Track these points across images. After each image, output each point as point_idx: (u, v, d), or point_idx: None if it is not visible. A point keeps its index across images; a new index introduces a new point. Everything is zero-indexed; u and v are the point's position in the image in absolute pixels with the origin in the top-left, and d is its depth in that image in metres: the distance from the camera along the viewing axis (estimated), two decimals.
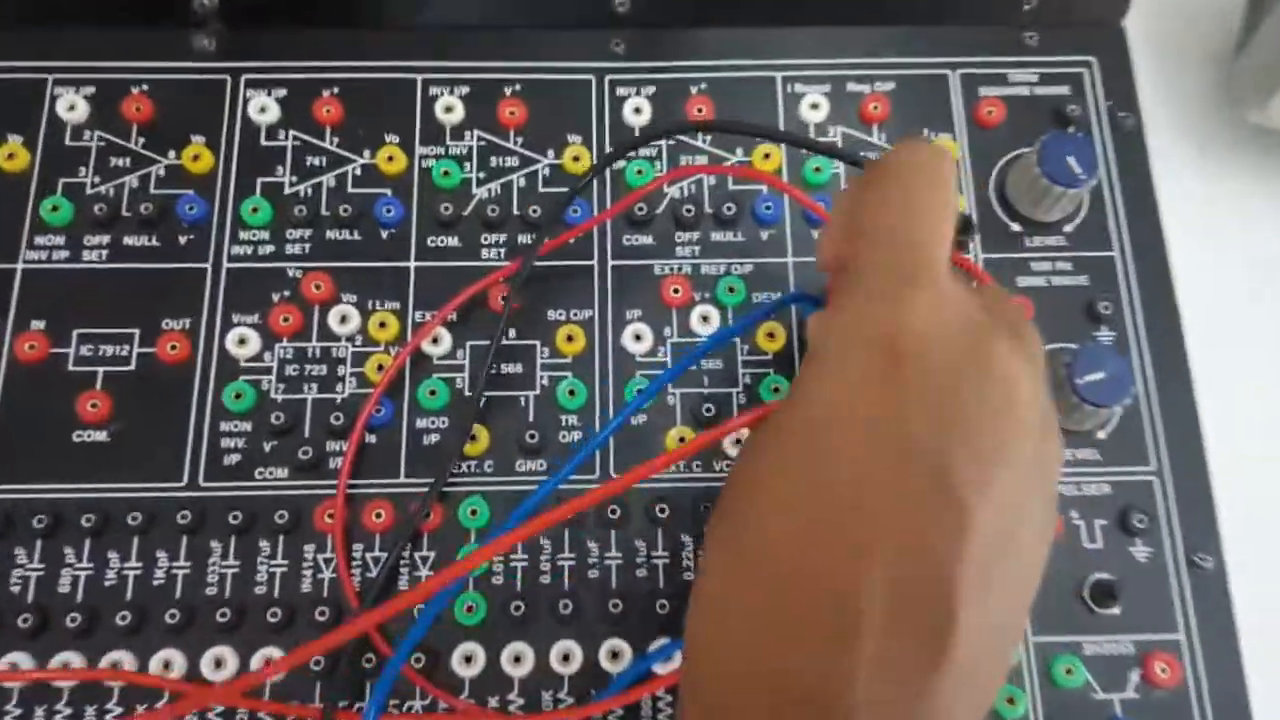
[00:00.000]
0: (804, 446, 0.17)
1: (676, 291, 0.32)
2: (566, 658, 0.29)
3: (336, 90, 0.34)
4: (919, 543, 0.16)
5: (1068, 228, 0.34)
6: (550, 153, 0.34)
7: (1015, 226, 0.34)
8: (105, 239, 0.33)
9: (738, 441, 0.31)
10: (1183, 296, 0.33)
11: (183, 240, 0.33)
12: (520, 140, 0.34)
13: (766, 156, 0.34)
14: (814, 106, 0.35)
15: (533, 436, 0.31)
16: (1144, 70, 0.36)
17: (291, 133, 0.34)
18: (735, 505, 0.19)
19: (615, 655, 0.29)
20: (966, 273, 0.30)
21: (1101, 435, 0.31)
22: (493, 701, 0.28)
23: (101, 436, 0.31)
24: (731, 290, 0.32)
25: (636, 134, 0.34)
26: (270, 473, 0.31)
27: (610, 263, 0.33)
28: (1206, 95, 0.39)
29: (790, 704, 0.16)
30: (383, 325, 0.32)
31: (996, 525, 0.16)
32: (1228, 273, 0.36)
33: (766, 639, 0.17)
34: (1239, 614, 0.29)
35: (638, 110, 0.34)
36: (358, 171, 0.34)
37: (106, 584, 0.29)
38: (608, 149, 0.34)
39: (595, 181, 0.34)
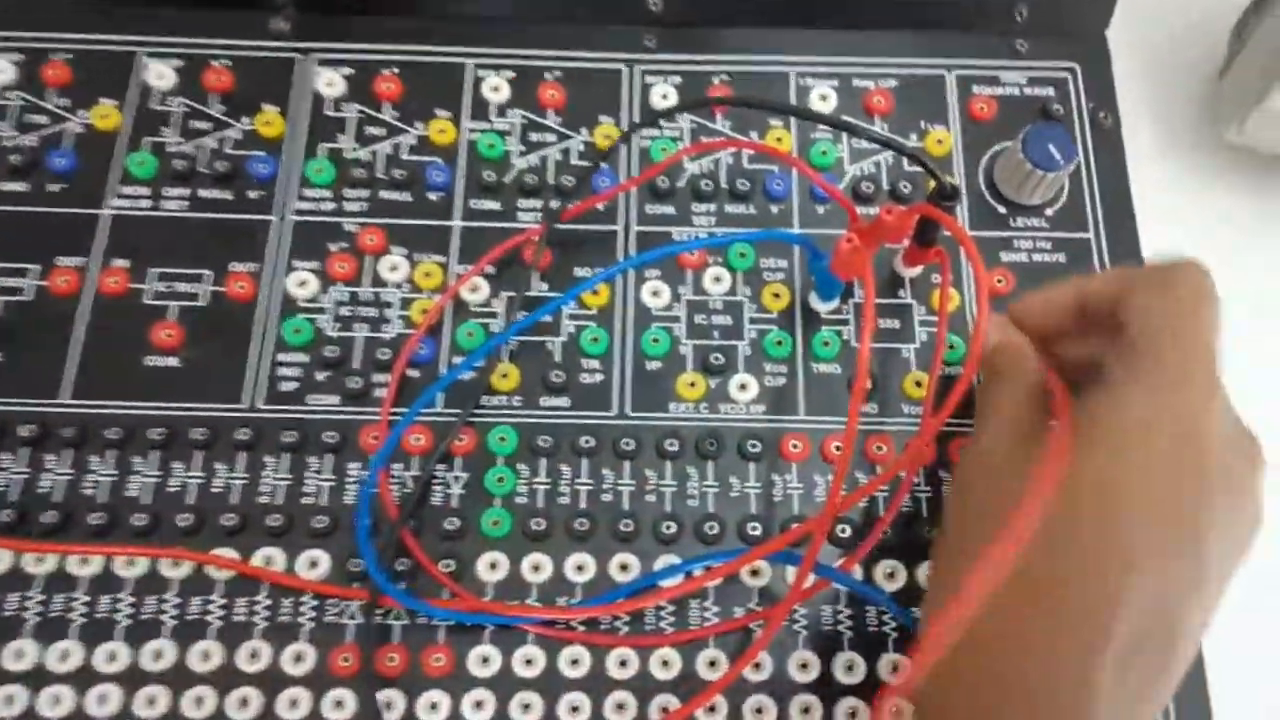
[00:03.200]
0: (1094, 494, 0.20)
1: (692, 254, 0.36)
2: (580, 568, 0.32)
3: (396, 70, 0.38)
4: (1166, 585, 0.20)
5: (1049, 211, 0.37)
6: (584, 131, 0.38)
7: (1001, 209, 0.37)
8: (184, 191, 0.37)
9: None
10: None
11: (253, 195, 0.37)
12: (558, 120, 0.38)
13: (778, 140, 0.38)
14: (823, 98, 0.38)
15: (558, 377, 0.34)
16: (1127, 83, 0.39)
17: (355, 106, 0.38)
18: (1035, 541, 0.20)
19: (624, 568, 0.32)
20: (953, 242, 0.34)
21: None
22: (513, 604, 0.31)
23: (173, 362, 0.34)
24: (742, 255, 0.36)
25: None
26: (322, 399, 0.34)
27: (634, 228, 0.37)
28: (1189, 109, 0.42)
29: (1031, 700, 0.20)
30: (428, 275, 0.35)
31: (1217, 590, 0.21)
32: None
33: (1019, 639, 0.20)
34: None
35: (664, 97, 0.38)
36: (412, 141, 0.38)
37: (170, 490, 0.33)
38: None
39: (624, 158, 0.38)
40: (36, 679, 0.30)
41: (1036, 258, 0.36)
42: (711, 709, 0.30)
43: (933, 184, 0.30)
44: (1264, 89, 0.37)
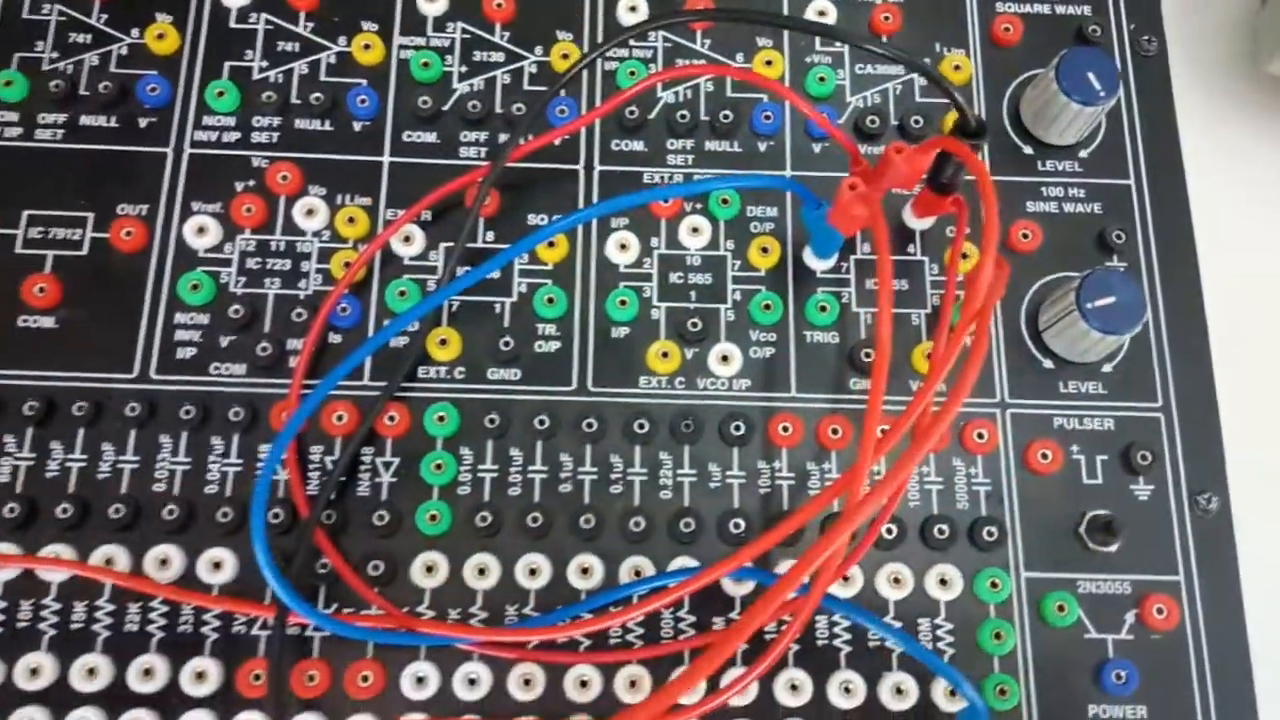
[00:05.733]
0: None
1: (666, 200, 0.30)
2: (533, 572, 0.27)
3: None
4: None
5: (1083, 153, 0.32)
6: (538, 49, 0.32)
7: (1028, 149, 0.32)
8: (61, 118, 0.31)
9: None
10: (1199, 233, 0.31)
11: (143, 123, 0.31)
12: (507, 35, 0.32)
13: (769, 63, 0.32)
14: (821, 14, 0.33)
15: (507, 345, 0.29)
16: (1169, 7, 0.34)
17: (264, 16, 0.32)
18: None
19: (585, 572, 0.27)
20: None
21: (1108, 368, 0.30)
22: (454, 614, 0.27)
23: (49, 323, 0.29)
24: (725, 202, 0.31)
25: None
26: (226, 369, 0.29)
27: (597, 168, 0.31)
28: (1226, 39, 0.37)
29: None
30: (351, 221, 0.30)
31: None
32: (1245, 210, 0.34)
33: None
34: (1243, 558, 0.28)
35: (633, 8, 0.32)
36: (331, 60, 0.32)
37: (48, 475, 0.28)
38: None
39: (585, 83, 0.32)
40: None
41: (1068, 208, 0.31)
42: None
43: (954, 116, 0.25)
44: None
